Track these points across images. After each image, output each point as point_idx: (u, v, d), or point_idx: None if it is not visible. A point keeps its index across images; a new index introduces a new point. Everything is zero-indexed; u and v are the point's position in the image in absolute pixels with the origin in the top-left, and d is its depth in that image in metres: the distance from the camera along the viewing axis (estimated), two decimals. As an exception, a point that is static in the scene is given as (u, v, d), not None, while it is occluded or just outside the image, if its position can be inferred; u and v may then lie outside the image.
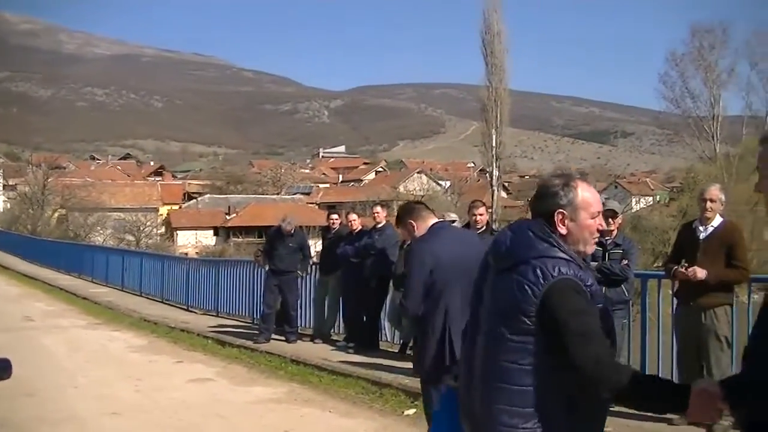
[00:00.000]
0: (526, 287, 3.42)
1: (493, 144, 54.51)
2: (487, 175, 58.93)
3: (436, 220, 6.41)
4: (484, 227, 10.65)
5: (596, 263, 8.76)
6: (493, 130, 54.83)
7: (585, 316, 3.38)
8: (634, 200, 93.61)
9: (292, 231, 14.59)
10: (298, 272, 14.78)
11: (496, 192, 55.26)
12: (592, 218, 3.67)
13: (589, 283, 3.49)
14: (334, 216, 14.98)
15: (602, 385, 3.31)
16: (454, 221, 10.76)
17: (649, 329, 9.23)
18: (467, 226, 10.67)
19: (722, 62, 64.43)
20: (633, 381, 3.27)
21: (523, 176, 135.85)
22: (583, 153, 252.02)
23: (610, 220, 8.66)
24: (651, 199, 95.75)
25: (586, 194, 3.66)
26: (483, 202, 11.76)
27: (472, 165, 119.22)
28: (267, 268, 14.71)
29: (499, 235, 3.75)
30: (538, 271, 3.43)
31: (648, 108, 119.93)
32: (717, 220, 8.16)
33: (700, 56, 64.39)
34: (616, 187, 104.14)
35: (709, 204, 8.12)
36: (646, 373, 3.18)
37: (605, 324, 3.51)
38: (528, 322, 3.40)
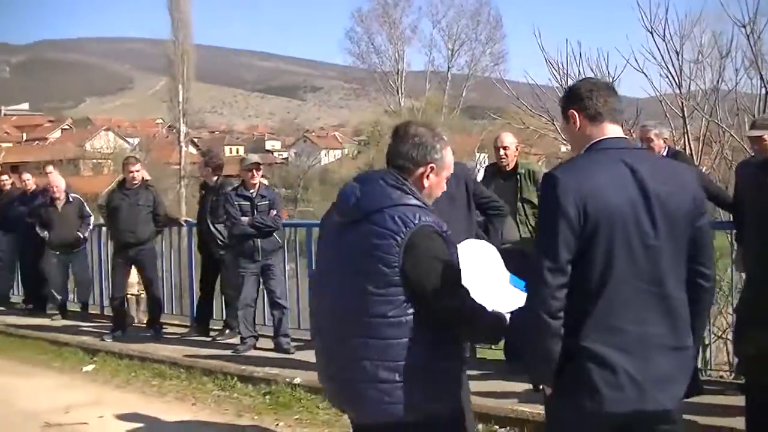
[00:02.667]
0: (388, 236, 3.34)
1: (180, 99, 53.87)
2: (175, 131, 58.15)
3: None
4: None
5: (247, 218, 8.97)
6: (180, 86, 54.15)
7: (450, 261, 3.41)
8: (323, 153, 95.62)
9: None
10: None
11: (184, 148, 54.77)
12: (445, 179, 3.72)
13: (445, 229, 3.47)
14: (4, 177, 14.61)
15: (475, 325, 3.47)
16: None
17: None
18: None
19: (406, 19, 66.76)
20: (499, 324, 3.50)
21: (213, 132, 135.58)
22: (272, 107, 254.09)
23: (254, 172, 9.27)
24: (340, 152, 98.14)
25: (450, 155, 3.70)
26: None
27: (161, 121, 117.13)
28: None
29: (345, 188, 3.60)
30: (398, 219, 3.36)
31: (335, 63, 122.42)
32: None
33: (384, 13, 66.31)
34: (305, 141, 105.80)
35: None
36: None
37: (458, 269, 3.49)
38: (390, 272, 3.33)
